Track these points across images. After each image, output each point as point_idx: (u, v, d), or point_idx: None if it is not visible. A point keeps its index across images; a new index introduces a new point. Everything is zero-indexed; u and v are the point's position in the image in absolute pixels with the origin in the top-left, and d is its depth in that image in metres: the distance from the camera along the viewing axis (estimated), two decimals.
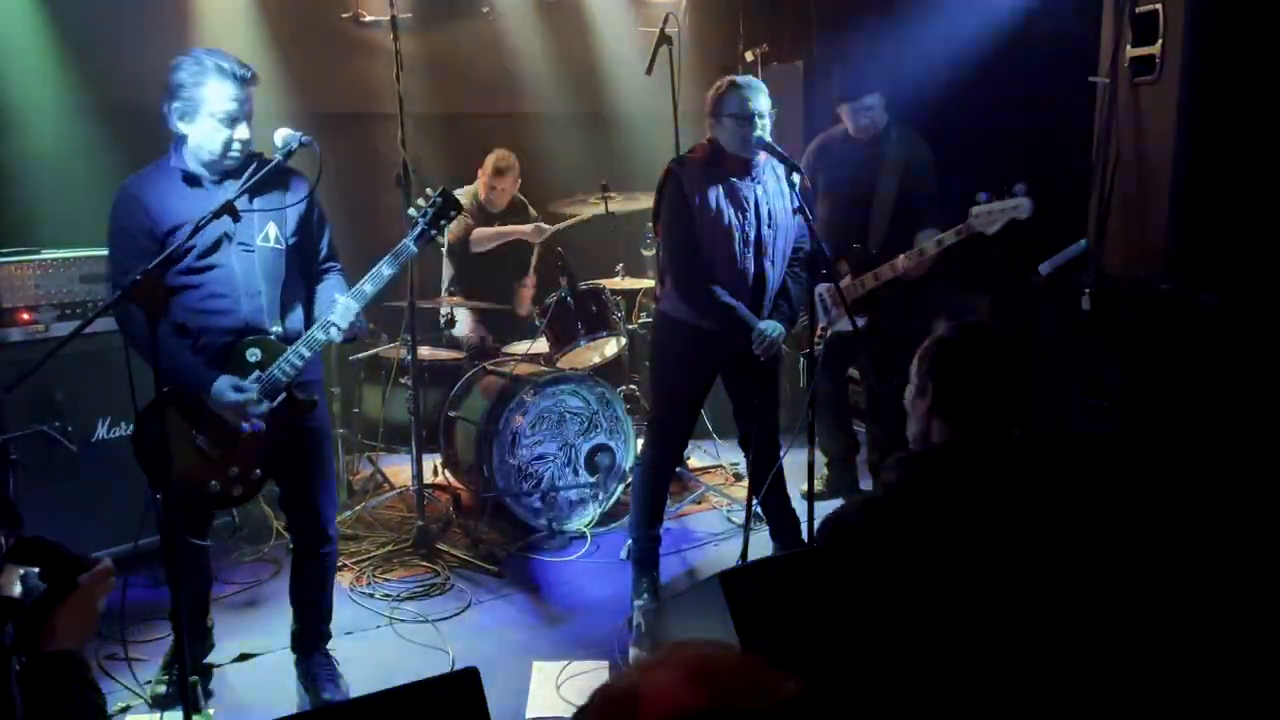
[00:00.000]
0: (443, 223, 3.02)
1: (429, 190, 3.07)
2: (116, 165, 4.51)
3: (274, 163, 2.73)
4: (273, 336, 2.85)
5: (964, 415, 1.87)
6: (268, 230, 2.85)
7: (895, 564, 1.71)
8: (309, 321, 2.96)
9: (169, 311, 2.79)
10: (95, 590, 1.56)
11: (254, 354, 2.82)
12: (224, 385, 2.74)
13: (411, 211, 3.05)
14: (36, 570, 1.53)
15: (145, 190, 2.77)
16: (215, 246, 2.78)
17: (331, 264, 3.08)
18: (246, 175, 2.77)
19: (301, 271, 3.00)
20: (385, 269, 2.91)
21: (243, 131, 2.74)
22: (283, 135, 2.75)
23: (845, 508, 1.85)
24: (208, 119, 2.71)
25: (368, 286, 2.89)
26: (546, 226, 5.06)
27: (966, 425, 1.86)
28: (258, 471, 2.89)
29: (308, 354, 2.84)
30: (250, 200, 2.81)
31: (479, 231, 5.02)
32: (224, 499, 2.90)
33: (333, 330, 2.83)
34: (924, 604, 1.68)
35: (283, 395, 2.85)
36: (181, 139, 2.78)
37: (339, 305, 2.85)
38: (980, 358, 1.89)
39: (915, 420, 1.95)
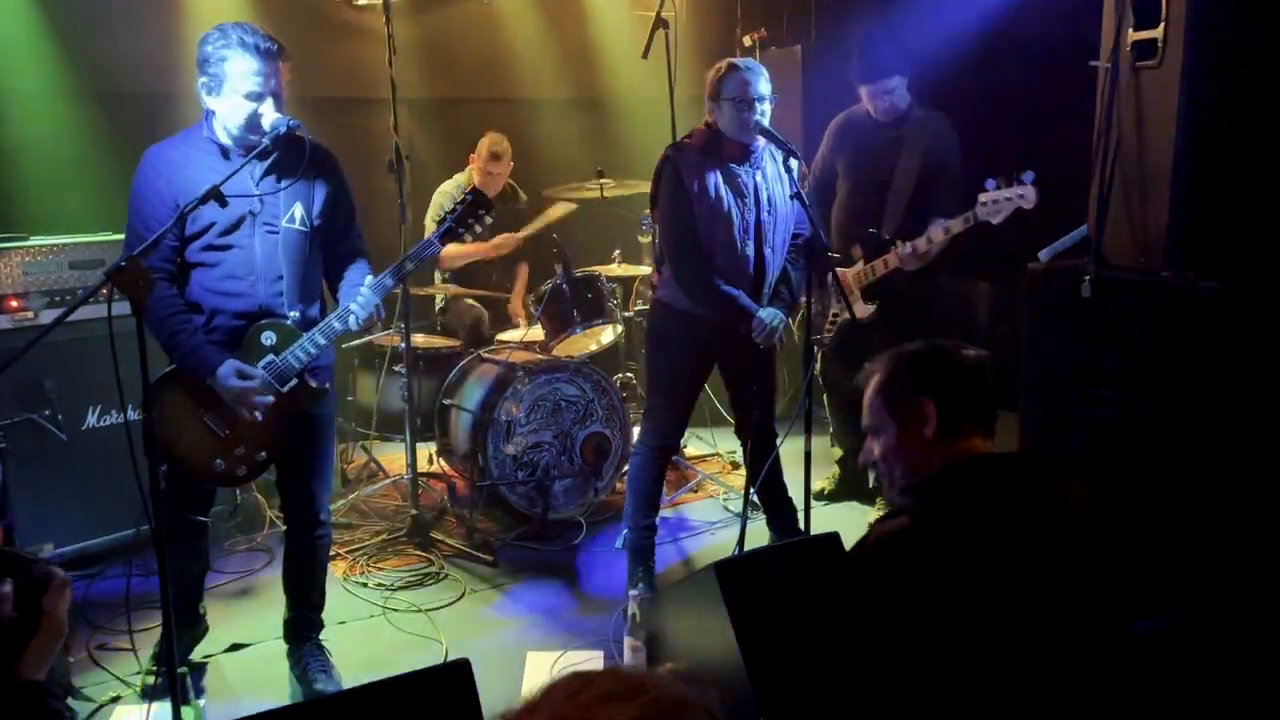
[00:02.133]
0: (471, 221, 2.96)
1: (460, 184, 3.05)
2: (105, 152, 4.51)
3: (261, 147, 2.68)
4: (289, 321, 2.82)
5: (980, 424, 1.83)
6: (294, 211, 2.82)
7: (944, 591, 1.64)
8: (326, 306, 2.93)
9: (185, 290, 2.79)
10: (60, 609, 1.54)
11: (269, 338, 2.79)
12: (228, 370, 2.72)
13: (441, 194, 3.02)
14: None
15: (171, 159, 2.73)
16: (237, 225, 2.76)
17: (358, 249, 3.04)
18: (272, 159, 2.75)
19: (326, 254, 2.96)
20: (408, 264, 2.90)
21: (268, 108, 2.69)
22: (271, 119, 2.70)
23: (892, 528, 1.74)
24: (232, 94, 2.68)
25: (389, 280, 2.86)
26: (513, 236, 5.08)
27: (985, 433, 1.83)
28: (263, 453, 2.87)
29: (323, 342, 2.82)
30: (278, 180, 2.78)
31: (449, 250, 4.97)
32: (228, 478, 2.88)
33: (351, 319, 2.81)
34: (976, 628, 1.62)
35: (294, 381, 2.82)
36: (211, 112, 2.75)
37: (361, 295, 2.82)
38: (971, 366, 1.87)
39: (907, 456, 1.85)
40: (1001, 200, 3.62)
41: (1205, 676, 2.66)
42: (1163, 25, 3.28)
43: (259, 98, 2.68)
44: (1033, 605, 1.63)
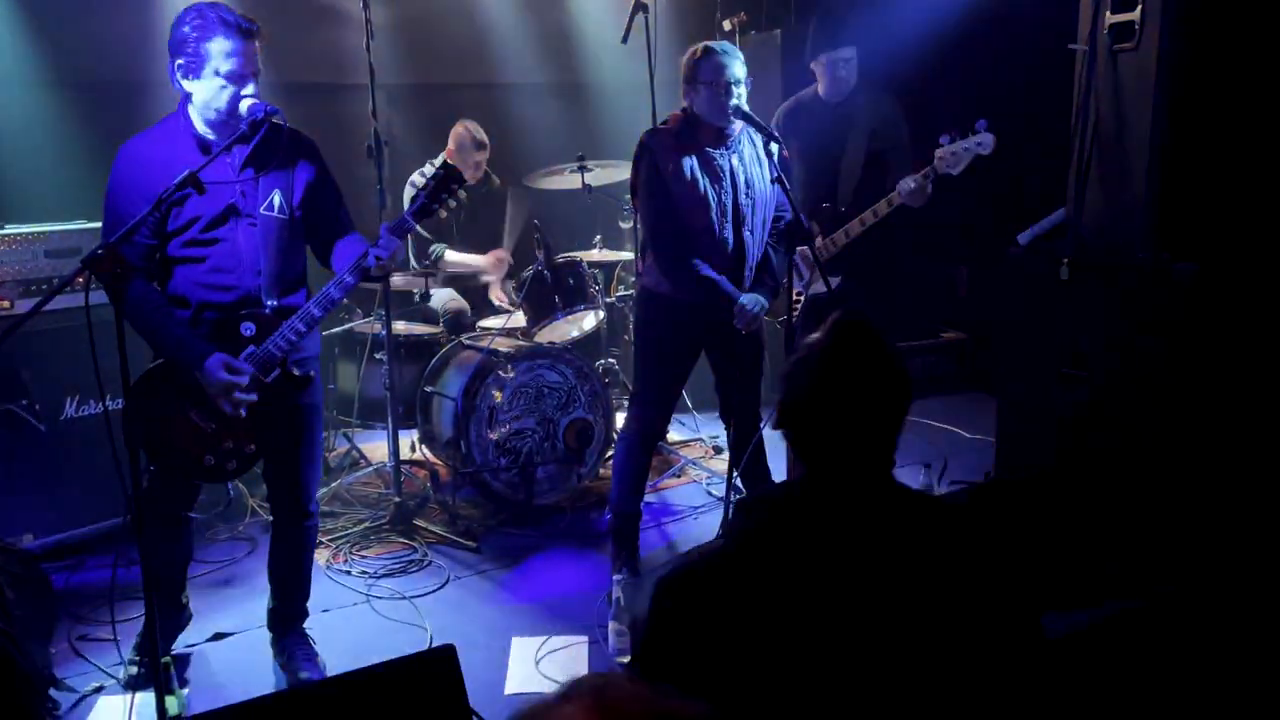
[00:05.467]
0: (445, 196, 2.90)
1: (431, 162, 2.99)
2: (81, 140, 4.46)
3: (240, 133, 2.62)
4: (268, 310, 2.78)
5: (821, 454, 1.51)
6: (273, 199, 2.77)
7: (736, 629, 1.42)
8: (309, 295, 2.88)
9: (168, 285, 2.75)
10: None
11: (249, 328, 2.76)
12: (216, 363, 2.67)
13: (410, 185, 2.97)
14: None
15: (150, 151, 2.67)
16: (222, 219, 2.72)
17: (350, 228, 2.97)
18: (253, 147, 2.68)
19: (321, 240, 2.92)
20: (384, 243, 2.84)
21: (250, 90, 2.65)
22: (248, 106, 2.66)
23: (678, 567, 1.53)
24: (213, 76, 2.62)
25: (369, 260, 2.78)
26: (504, 256, 5.12)
27: (824, 466, 1.51)
28: (251, 446, 2.84)
29: (303, 328, 2.77)
30: (256, 171, 2.75)
31: (451, 255, 4.99)
32: (218, 473, 2.85)
33: (335, 292, 2.75)
34: (771, 663, 1.41)
35: (277, 371, 2.79)
36: (187, 97, 2.69)
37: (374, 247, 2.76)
38: (843, 382, 1.49)
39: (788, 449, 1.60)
40: (960, 151, 3.63)
41: (1204, 653, 2.69)
42: (1139, 8, 3.30)
43: (241, 79, 2.63)
44: (841, 638, 1.42)
